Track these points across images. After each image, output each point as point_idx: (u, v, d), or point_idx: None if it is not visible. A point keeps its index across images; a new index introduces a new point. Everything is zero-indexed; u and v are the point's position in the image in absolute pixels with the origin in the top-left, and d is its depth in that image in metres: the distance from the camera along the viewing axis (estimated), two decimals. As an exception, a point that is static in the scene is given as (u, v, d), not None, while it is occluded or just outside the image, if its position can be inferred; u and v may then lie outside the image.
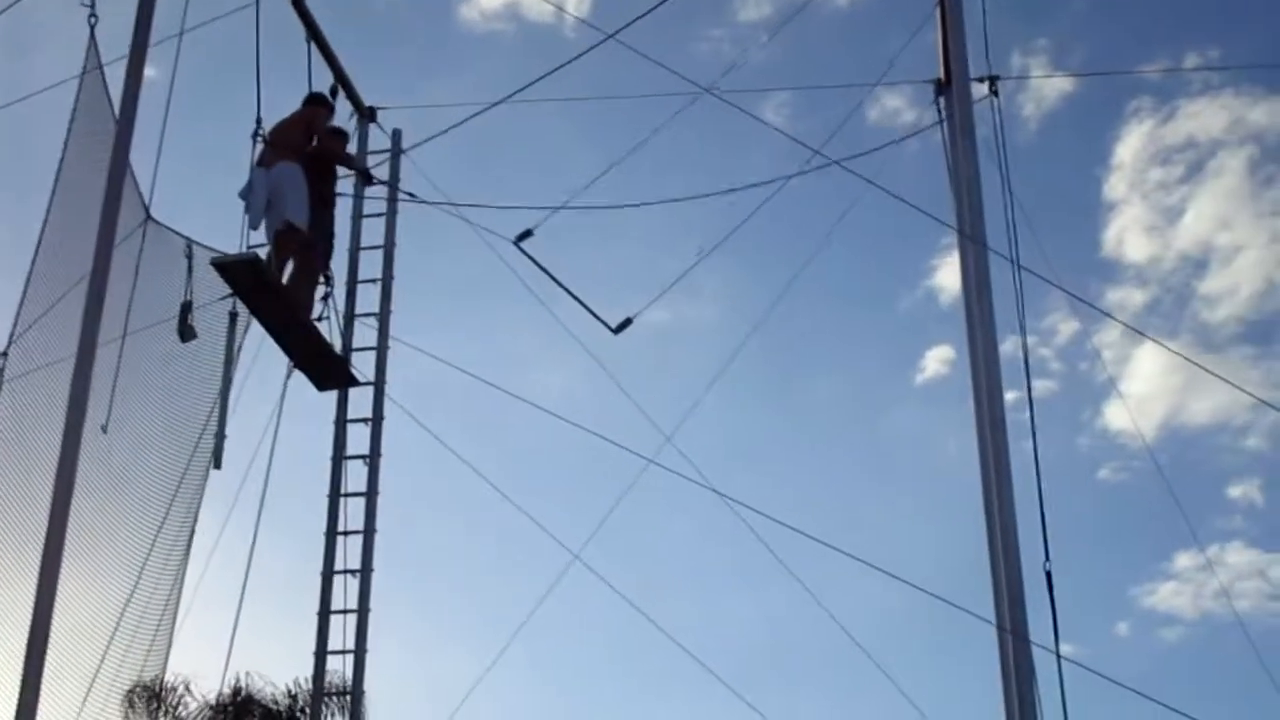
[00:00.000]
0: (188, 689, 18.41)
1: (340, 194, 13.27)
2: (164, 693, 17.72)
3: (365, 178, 13.70)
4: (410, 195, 13.68)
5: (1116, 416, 32.00)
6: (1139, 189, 34.28)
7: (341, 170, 13.33)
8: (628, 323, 12.71)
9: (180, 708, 18.53)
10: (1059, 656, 9.88)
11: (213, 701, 18.53)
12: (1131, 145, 34.17)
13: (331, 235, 13.00)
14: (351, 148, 13.62)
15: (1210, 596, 32.44)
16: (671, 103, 12.92)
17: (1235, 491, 33.81)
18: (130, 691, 16.42)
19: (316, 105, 12.93)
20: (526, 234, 12.79)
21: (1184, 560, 32.15)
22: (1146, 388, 33.12)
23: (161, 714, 17.99)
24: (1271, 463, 33.49)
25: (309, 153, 12.44)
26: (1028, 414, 11.23)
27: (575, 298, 12.62)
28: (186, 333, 12.37)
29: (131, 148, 11.18)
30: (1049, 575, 10.36)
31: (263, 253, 11.98)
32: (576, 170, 13.09)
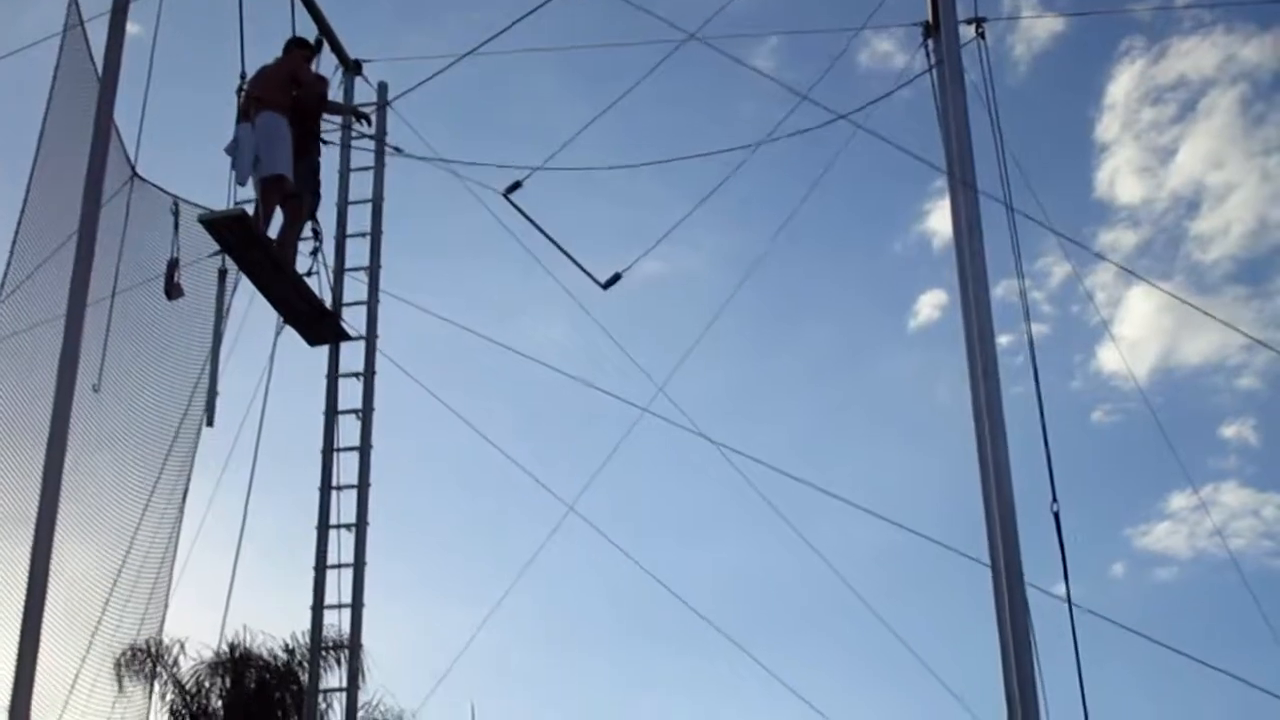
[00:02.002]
0: (182, 649, 18.47)
1: (327, 142, 13.16)
2: (160, 653, 17.77)
3: (357, 116, 13.59)
4: (396, 149, 13.61)
5: (1110, 359, 32.14)
6: (1131, 129, 34.26)
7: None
8: (616, 278, 12.66)
9: (176, 666, 18.60)
10: (1070, 601, 9.91)
11: (210, 659, 18.61)
12: (1123, 85, 34.12)
13: (318, 187, 12.93)
14: (336, 99, 13.52)
15: (1204, 536, 32.65)
16: (660, 51, 12.86)
17: (1229, 431, 33.97)
18: (121, 656, 16.48)
19: (298, 49, 12.83)
20: (515, 186, 12.73)
21: (1178, 501, 32.35)
22: (1139, 329, 33.21)
23: (158, 674, 18.03)
24: (1265, 402, 33.64)
25: (293, 101, 12.35)
26: (1021, 357, 11.24)
27: (565, 253, 12.58)
28: (174, 291, 12.32)
29: (116, 105, 11.13)
30: (1057, 516, 10.38)
31: (250, 208, 11.93)
32: (566, 121, 13.04)
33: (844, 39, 13.41)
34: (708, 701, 31.00)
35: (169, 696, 18.31)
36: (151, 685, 17.63)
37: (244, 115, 12.08)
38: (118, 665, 16.79)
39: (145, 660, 17.44)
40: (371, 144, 13.79)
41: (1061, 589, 10.18)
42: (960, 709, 11.99)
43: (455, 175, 13.24)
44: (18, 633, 9.54)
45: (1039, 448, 10.74)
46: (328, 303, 12.96)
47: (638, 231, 12.72)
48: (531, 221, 12.64)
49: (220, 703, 18.77)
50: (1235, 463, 34.11)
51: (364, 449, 12.95)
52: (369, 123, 13.60)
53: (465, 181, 13.22)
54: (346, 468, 12.93)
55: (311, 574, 12.65)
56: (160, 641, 16.96)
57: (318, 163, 12.92)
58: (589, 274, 12.58)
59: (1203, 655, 10.38)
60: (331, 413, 13.09)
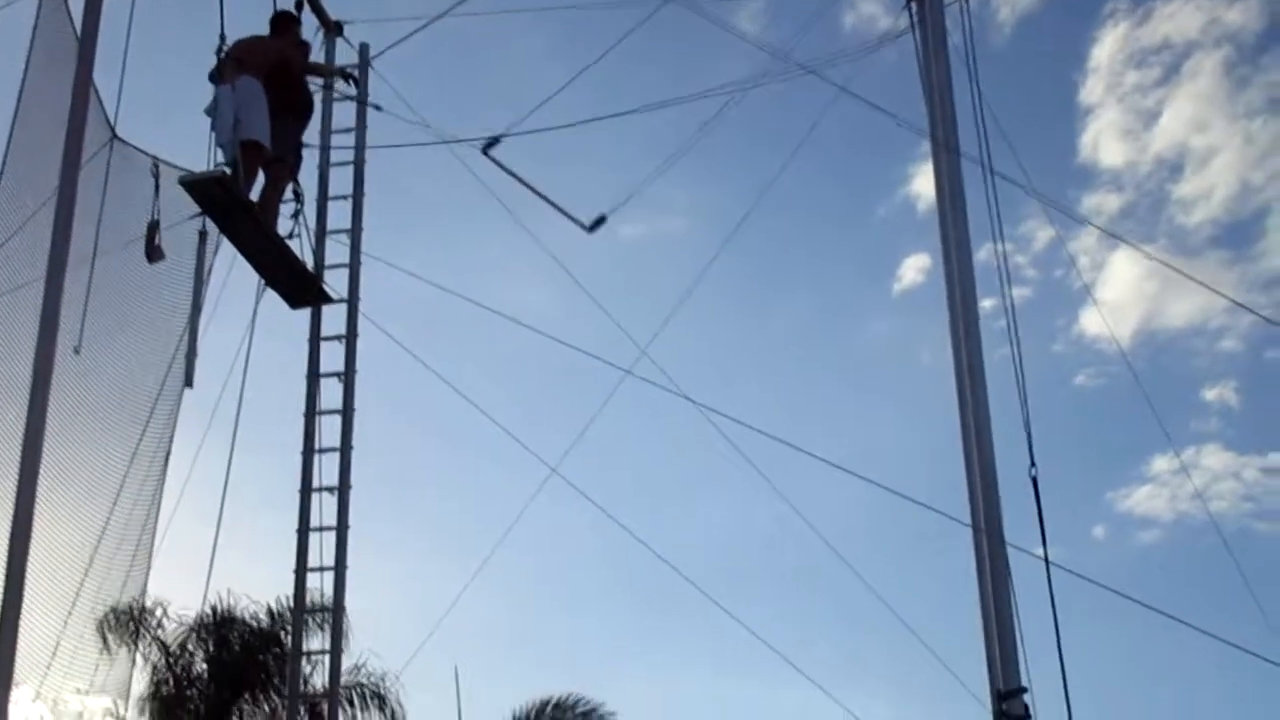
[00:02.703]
0: (165, 612, 18.47)
1: (313, 88, 13.10)
2: (143, 615, 17.76)
3: (344, 77, 13.52)
4: (377, 106, 13.55)
5: (1092, 322, 32.22)
6: (1115, 92, 34.26)
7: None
8: (602, 220, 12.60)
9: (159, 629, 18.60)
10: (1047, 560, 9.95)
11: (193, 621, 18.62)
12: (1107, 48, 34.10)
13: (300, 148, 12.89)
14: (318, 60, 13.47)
15: (1186, 499, 32.80)
16: (642, 12, 12.83)
17: (1211, 394, 34.11)
18: (104, 619, 16.48)
19: (289, 26, 12.78)
20: (494, 141, 12.68)
21: (1160, 464, 32.49)
22: (1122, 293, 33.27)
23: (141, 636, 18.04)
24: (1247, 365, 33.77)
25: (280, 68, 12.30)
26: (1004, 321, 11.24)
27: (546, 199, 12.52)
28: (154, 253, 12.27)
29: (95, 66, 11.06)
30: (1035, 481, 10.40)
31: (230, 170, 11.87)
32: (549, 82, 12.97)
33: (825, 3, 13.39)
34: (691, 660, 31.17)
35: (152, 659, 18.31)
36: (135, 648, 17.64)
37: (222, 77, 12.01)
38: (101, 628, 16.81)
39: (128, 623, 17.44)
40: (352, 106, 13.75)
41: (1043, 550, 10.22)
42: (940, 668, 12.05)
43: (437, 135, 13.22)
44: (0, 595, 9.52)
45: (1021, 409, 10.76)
46: (309, 265, 12.92)
47: (620, 192, 12.64)
48: (510, 173, 12.59)
49: (204, 665, 18.78)
50: (1217, 425, 34.28)
51: (346, 411, 12.94)
52: (356, 83, 13.55)
53: (447, 141, 13.19)
54: (329, 430, 12.94)
55: (294, 537, 12.66)
56: (143, 604, 16.95)
57: (302, 126, 12.87)
58: (573, 218, 12.53)
59: (1184, 616, 10.42)
60: (314, 375, 13.08)
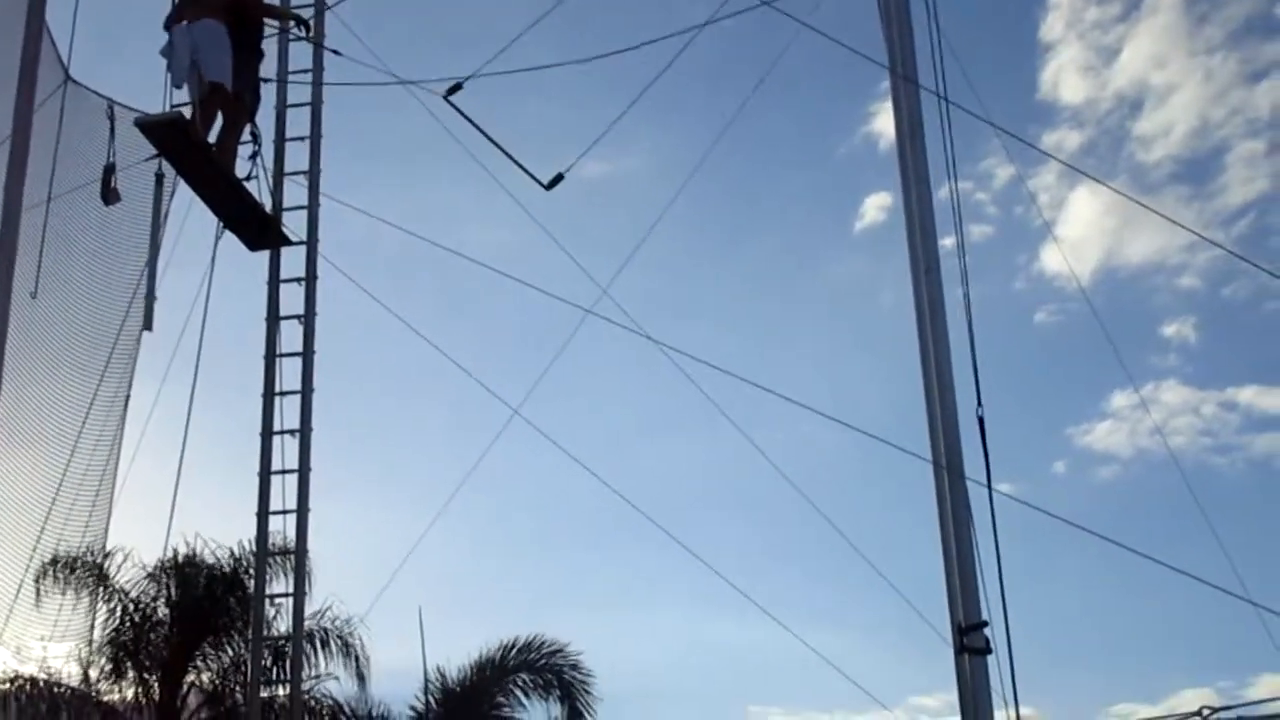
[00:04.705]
0: (126, 557, 18.40)
1: (270, 30, 12.98)
2: (105, 561, 17.71)
3: (297, 22, 13.39)
4: (335, 52, 13.44)
5: (1053, 260, 32.30)
6: (1075, 28, 34.20)
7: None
8: (559, 178, 12.57)
9: (120, 574, 18.54)
10: (990, 491, 10.01)
11: (154, 566, 18.56)
12: (1069, -18, 34.05)
13: (258, 87, 12.76)
14: (275, 2, 13.33)
15: (1145, 434, 32.99)
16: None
17: (1170, 330, 34.28)
18: (64, 565, 16.43)
19: None
20: (456, 87, 12.59)
21: (1119, 400, 32.65)
22: (1082, 230, 33.35)
23: (103, 582, 17.99)
24: (1205, 301, 33.93)
25: (235, 9, 12.18)
26: (959, 260, 11.25)
27: (507, 154, 12.46)
28: (110, 195, 12.18)
29: (47, 6, 10.95)
30: (981, 421, 10.45)
31: (186, 111, 11.76)
32: (512, 26, 12.87)
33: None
34: (656, 600, 31.32)
35: (114, 604, 18.25)
36: (96, 593, 17.60)
37: (178, 18, 11.88)
38: (60, 573, 16.75)
39: (89, 569, 17.39)
40: (309, 46, 13.63)
41: (1005, 488, 10.28)
42: (905, 604, 12.14)
43: (396, 79, 13.12)
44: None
45: (982, 348, 10.81)
46: (268, 207, 12.84)
47: (582, 133, 12.59)
48: (473, 124, 12.52)
49: (167, 611, 18.73)
50: (1175, 361, 34.51)
51: (306, 354, 12.90)
52: (308, 29, 13.42)
53: (406, 85, 13.09)
54: (290, 373, 12.90)
55: (256, 480, 12.65)
56: (105, 549, 16.89)
57: (258, 65, 12.75)
58: (531, 175, 12.49)
59: (1143, 549, 10.51)
60: (273, 318, 13.03)
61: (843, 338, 33.77)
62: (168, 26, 11.89)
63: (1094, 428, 34.67)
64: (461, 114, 12.57)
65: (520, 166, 12.48)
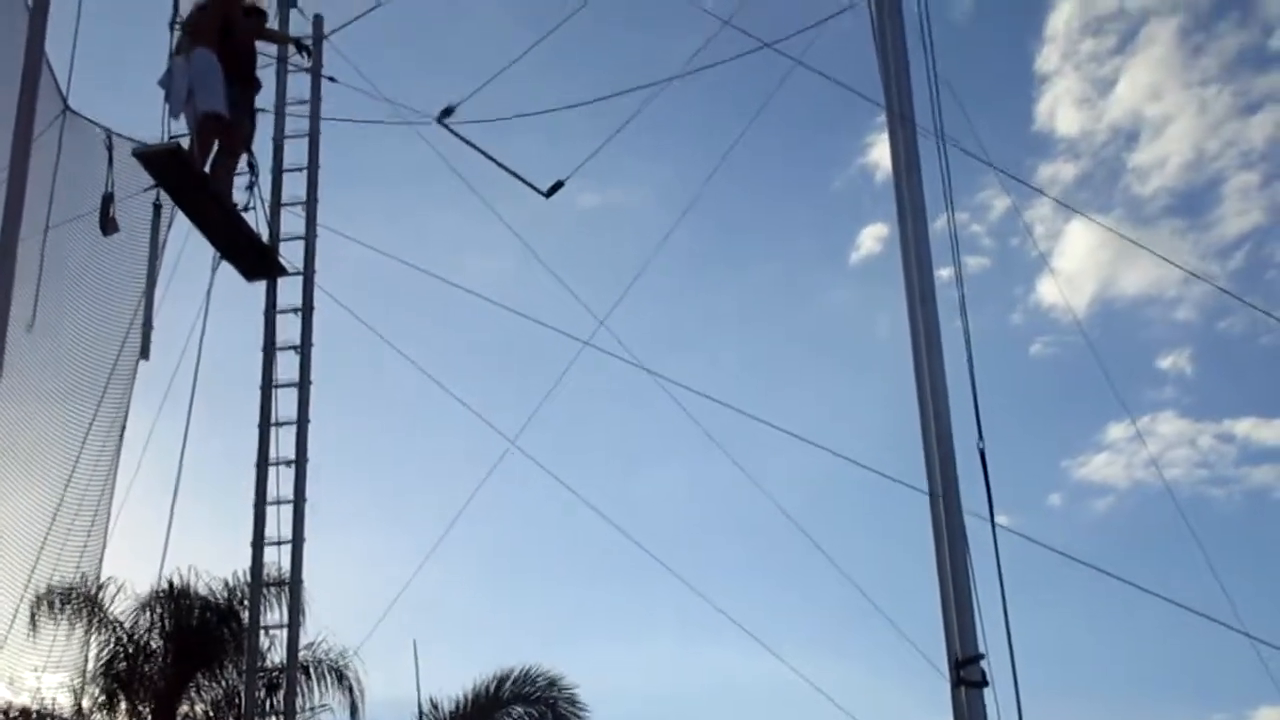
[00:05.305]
0: (120, 588, 18.36)
1: (266, 60, 13.03)
2: (99, 591, 17.67)
3: (298, 47, 13.44)
4: (331, 78, 13.49)
5: (1049, 291, 32.38)
6: (1071, 60, 34.36)
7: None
8: (559, 186, 12.57)
9: (114, 604, 18.49)
10: (994, 527, 9.99)
11: (148, 596, 18.50)
12: (1064, 15, 34.20)
13: (254, 116, 12.78)
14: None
15: (1141, 466, 33.02)
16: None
17: (1165, 363, 34.36)
18: (58, 595, 16.39)
19: None
20: (449, 111, 12.63)
21: (1116, 431, 32.71)
22: (1078, 262, 33.45)
23: (96, 612, 17.94)
24: (1201, 333, 34.00)
25: (227, 34, 12.21)
26: (958, 292, 11.27)
27: (502, 166, 12.48)
28: (109, 225, 12.19)
29: (47, 37, 10.96)
30: (983, 454, 10.44)
31: (184, 142, 11.79)
32: (508, 57, 12.94)
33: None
34: (651, 632, 31.28)
35: (108, 635, 18.20)
36: (90, 624, 17.55)
37: (179, 49, 11.93)
38: (55, 604, 16.71)
39: (84, 599, 17.35)
40: (307, 77, 13.67)
41: (1001, 520, 10.27)
42: (900, 636, 12.12)
43: (393, 107, 13.19)
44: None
45: (978, 379, 10.81)
46: (265, 237, 12.85)
47: (576, 162, 12.62)
48: (466, 141, 12.55)
49: (161, 641, 18.68)
50: (1171, 393, 34.56)
51: (303, 384, 12.90)
52: (308, 54, 13.47)
53: (401, 112, 13.16)
54: (286, 403, 12.91)
55: (252, 510, 12.62)
56: (99, 580, 16.86)
57: (254, 94, 12.77)
58: (530, 184, 12.49)
59: (1139, 581, 10.51)
60: (270, 348, 13.03)
61: (839, 368, 33.84)
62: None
63: (1090, 460, 34.71)
64: (456, 134, 12.62)
65: (518, 177, 12.49)
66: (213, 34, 12.07)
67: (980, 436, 10.44)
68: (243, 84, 12.44)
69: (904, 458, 11.11)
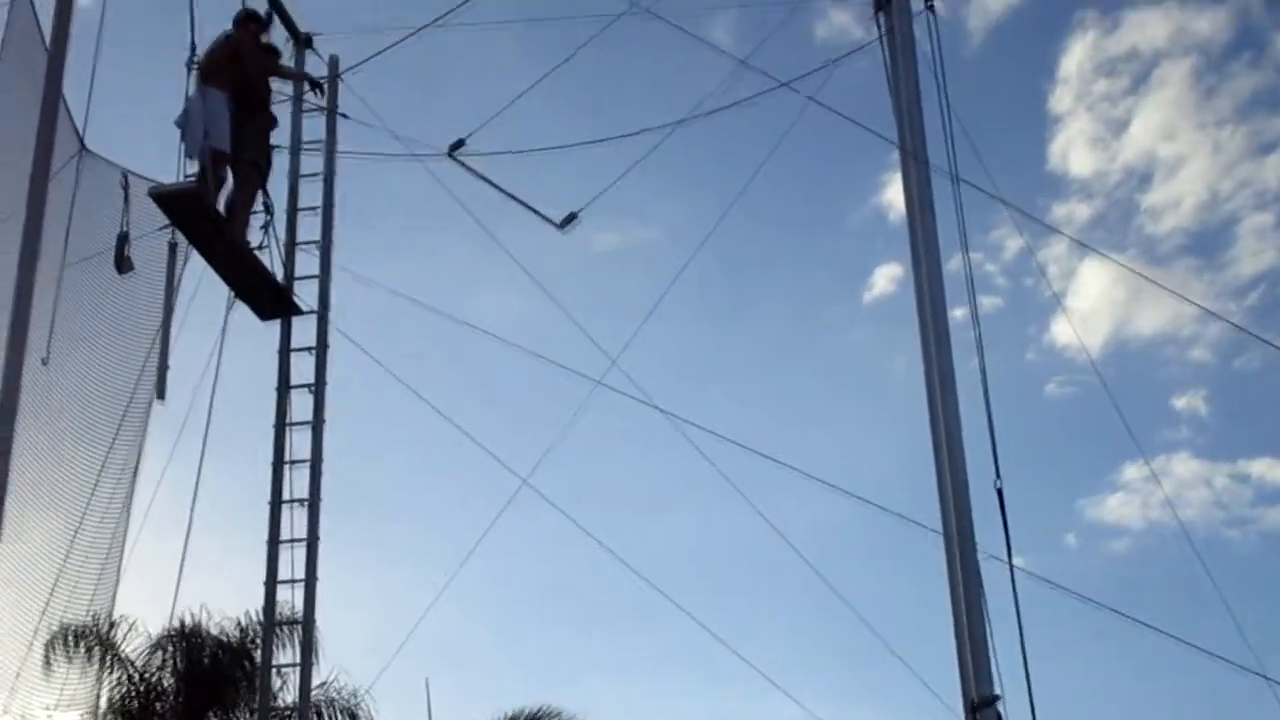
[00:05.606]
0: (132, 627, 18.36)
1: (281, 98, 13.08)
2: (111, 630, 17.67)
3: (311, 85, 13.51)
4: (344, 115, 13.55)
5: (1063, 331, 32.33)
6: (1084, 101, 34.42)
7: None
8: (573, 218, 12.59)
9: (126, 643, 18.49)
10: (1011, 568, 9.96)
11: (160, 635, 18.50)
12: (1076, 57, 34.27)
13: (270, 154, 12.81)
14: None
15: (1157, 507, 32.91)
16: (617, 23, 12.90)
17: (1180, 403, 34.30)
18: (71, 634, 16.40)
19: (245, 24, 12.71)
20: (459, 144, 12.67)
21: (1131, 472, 32.61)
22: (1092, 302, 33.41)
23: (108, 651, 17.94)
24: (1216, 373, 33.92)
25: (242, 73, 12.28)
26: (975, 331, 11.27)
27: (515, 199, 12.53)
28: (124, 265, 12.22)
29: (65, 77, 11.03)
30: (1000, 493, 10.40)
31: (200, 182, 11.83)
32: (519, 90, 13.01)
33: (803, 14, 13.45)
34: (663, 672, 31.12)
35: (120, 674, 18.20)
36: (102, 663, 17.54)
37: (196, 90, 12.00)
38: (67, 643, 16.71)
39: (95, 638, 17.36)
40: (322, 119, 13.73)
41: (1017, 561, 10.23)
42: (912, 677, 12.06)
43: (404, 144, 13.26)
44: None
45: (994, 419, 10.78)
46: (279, 277, 12.87)
47: (588, 199, 12.66)
48: (477, 174, 12.61)
49: (173, 680, 18.67)
50: (1187, 433, 34.48)
51: (317, 424, 12.90)
52: (322, 91, 13.54)
53: (416, 152, 13.21)
54: (299, 442, 12.90)
55: (265, 549, 12.61)
56: (111, 619, 16.86)
57: (269, 130, 12.83)
58: (544, 216, 12.53)
59: (1155, 622, 10.46)
60: (284, 388, 13.03)
61: (854, 407, 33.78)
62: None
63: (1105, 500, 34.61)
64: (467, 168, 12.66)
65: (532, 210, 12.54)
66: (225, 74, 12.15)
67: (998, 476, 10.42)
68: (258, 123, 12.50)
69: (920, 497, 11.09)
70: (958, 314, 11.37)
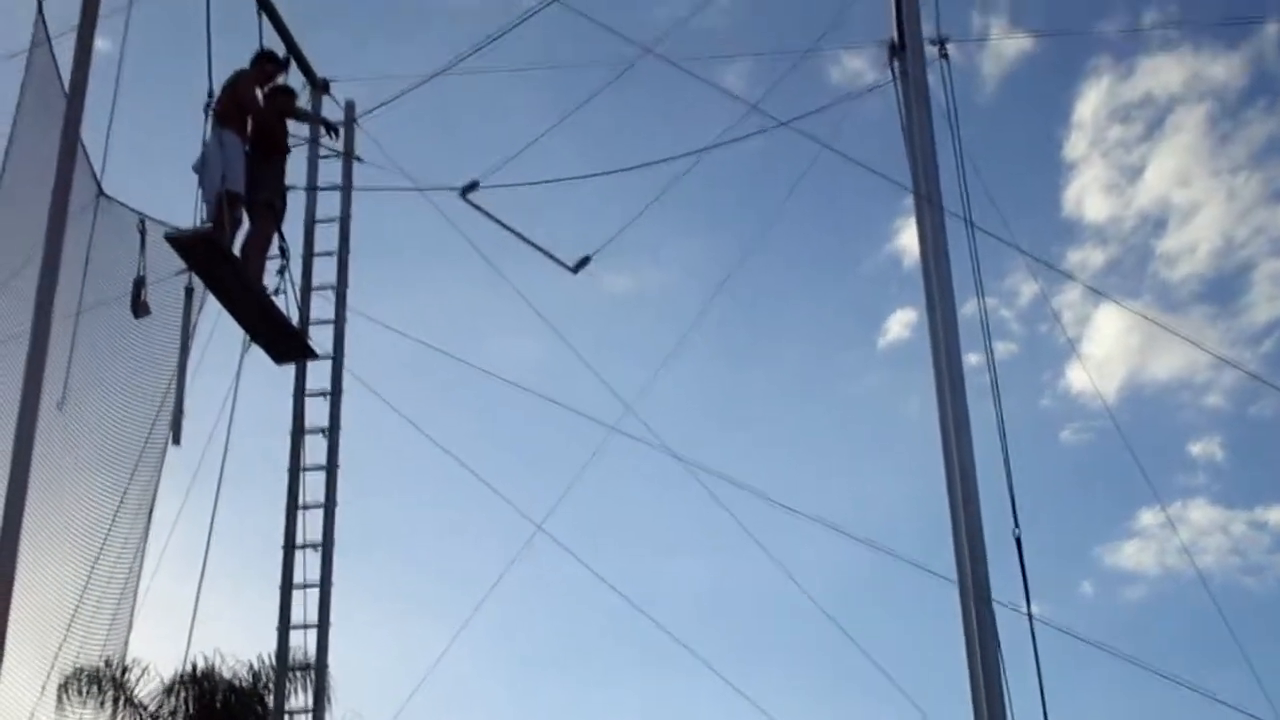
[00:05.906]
0: (145, 671, 18.34)
1: (295, 143, 13.13)
2: (124, 674, 17.66)
3: (327, 128, 13.57)
4: (358, 158, 13.60)
5: (1078, 377, 32.21)
6: (1099, 147, 34.33)
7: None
8: (586, 261, 12.59)
9: (139, 686, 18.46)
10: (1030, 618, 9.90)
11: (172, 679, 18.47)
12: (1091, 103, 34.17)
13: (284, 196, 12.83)
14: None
15: (1173, 554, 32.67)
16: (632, 70, 12.94)
17: (1196, 449, 34.06)
18: (83, 678, 16.38)
19: (259, 65, 12.76)
20: (472, 185, 12.68)
21: (1147, 518, 32.39)
22: (1107, 348, 33.28)
23: (121, 696, 17.92)
24: (1232, 420, 33.75)
25: (260, 114, 12.34)
26: (989, 376, 11.25)
27: (528, 241, 12.52)
28: (140, 309, 12.25)
29: (83, 122, 11.08)
30: (1019, 540, 10.35)
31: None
32: (532, 135, 13.05)
33: (817, 60, 13.48)
34: (677, 718, 30.96)
35: (132, 718, 18.16)
36: (115, 706, 17.52)
37: (213, 133, 12.05)
38: (81, 686, 16.70)
39: (107, 682, 17.34)
40: (337, 163, 13.79)
41: (1034, 607, 10.18)
42: (929, 726, 11.99)
43: (421, 192, 13.29)
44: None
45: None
46: (295, 321, 12.89)
47: (601, 242, 12.67)
48: (491, 217, 12.59)
49: (185, 724, 18.63)
50: (1203, 480, 34.25)
51: (330, 468, 12.89)
52: (336, 134, 13.60)
53: (430, 196, 13.25)
54: (313, 486, 12.89)
55: (278, 594, 12.58)
56: (124, 663, 16.83)
57: (283, 170, 12.85)
58: (556, 259, 12.53)
59: (1171, 671, 10.39)
60: (298, 432, 13.04)
61: (869, 452, 33.62)
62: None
63: (1121, 546, 34.40)
64: (478, 209, 12.67)
65: (544, 252, 12.53)
66: (238, 116, 12.20)
67: (1016, 524, 10.37)
68: (273, 164, 12.54)
69: (936, 543, 11.04)
70: (972, 359, 11.36)
